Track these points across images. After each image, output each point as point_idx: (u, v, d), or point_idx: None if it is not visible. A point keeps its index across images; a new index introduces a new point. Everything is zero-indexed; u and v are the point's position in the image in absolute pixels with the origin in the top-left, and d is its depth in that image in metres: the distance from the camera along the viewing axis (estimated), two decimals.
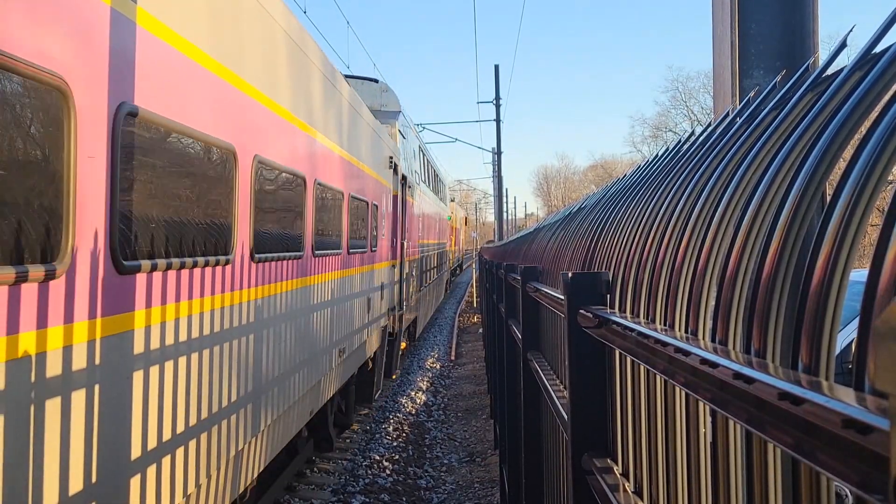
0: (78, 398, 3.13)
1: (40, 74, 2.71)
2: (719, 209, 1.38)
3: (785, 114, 1.32)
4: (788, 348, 0.98)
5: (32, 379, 2.79)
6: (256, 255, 5.14)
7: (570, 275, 2.23)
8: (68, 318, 3.02)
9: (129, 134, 3.46)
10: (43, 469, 2.88)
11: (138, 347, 3.62)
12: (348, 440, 10.24)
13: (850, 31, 1.31)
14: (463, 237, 53.89)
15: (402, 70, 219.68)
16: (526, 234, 8.89)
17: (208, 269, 4.35)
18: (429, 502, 8.10)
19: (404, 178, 13.99)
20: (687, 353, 1.14)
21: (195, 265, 4.14)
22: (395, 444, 10.13)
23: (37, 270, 2.75)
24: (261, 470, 5.62)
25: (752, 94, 1.74)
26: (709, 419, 1.28)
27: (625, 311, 1.95)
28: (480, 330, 21.18)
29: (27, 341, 2.75)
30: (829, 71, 1.27)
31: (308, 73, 6.62)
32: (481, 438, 10.60)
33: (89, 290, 3.17)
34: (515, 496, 5.31)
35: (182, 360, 4.06)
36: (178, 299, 3.98)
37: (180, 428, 4.07)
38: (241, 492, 5.19)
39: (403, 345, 15.20)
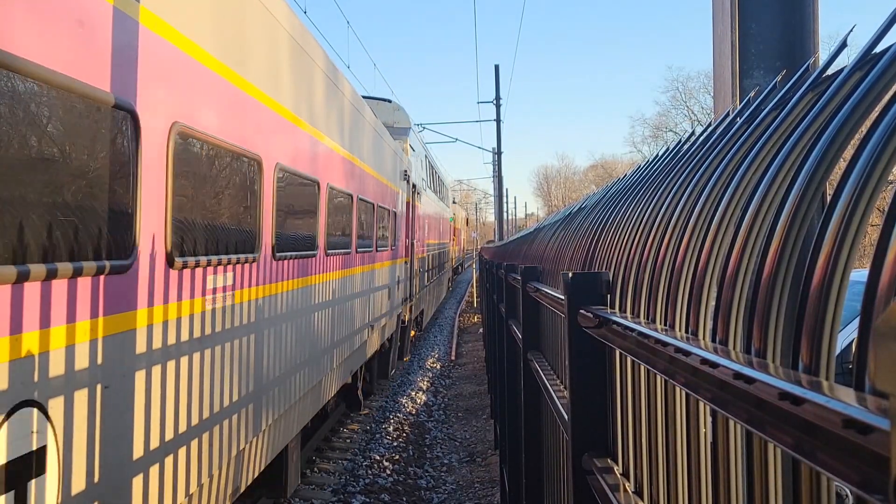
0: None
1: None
2: (719, 209, 1.38)
3: (785, 114, 1.32)
4: (789, 348, 0.98)
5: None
6: (328, 251, 7.67)
7: (570, 275, 2.23)
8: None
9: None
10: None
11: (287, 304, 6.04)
12: (348, 440, 10.25)
13: (851, 31, 1.31)
14: (464, 237, 56.54)
15: (402, 70, 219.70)
16: (526, 234, 8.90)
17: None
18: (429, 502, 8.10)
19: (414, 185, 16.10)
20: (687, 353, 1.14)
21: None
22: (395, 444, 10.13)
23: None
24: (344, 382, 9.17)
25: (752, 94, 1.74)
26: (709, 419, 1.28)
27: (625, 312, 1.95)
28: (480, 330, 21.18)
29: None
30: (830, 71, 1.27)
31: (360, 121, 9.53)
32: (481, 438, 10.60)
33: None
34: (516, 496, 5.31)
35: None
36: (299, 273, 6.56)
37: (300, 359, 6.58)
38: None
39: (413, 332, 17.28)
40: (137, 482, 3.57)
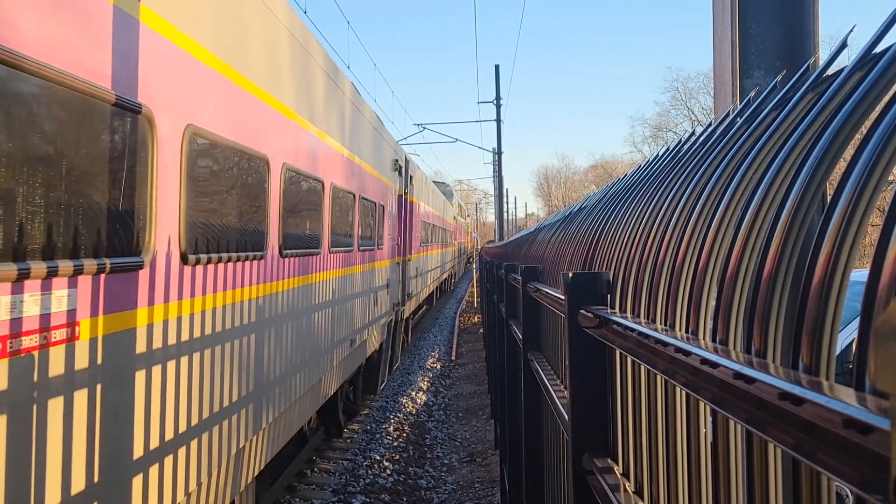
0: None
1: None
2: (720, 209, 1.38)
3: (785, 114, 1.32)
4: (789, 348, 0.98)
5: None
6: (431, 244, 22.41)
7: (570, 275, 2.23)
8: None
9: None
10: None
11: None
12: (348, 440, 10.25)
13: (851, 31, 1.31)
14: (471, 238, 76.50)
15: (402, 70, 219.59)
16: (526, 234, 8.91)
17: (438, 245, 25.91)
18: (429, 502, 8.10)
19: (455, 217, 32.28)
20: (687, 353, 1.14)
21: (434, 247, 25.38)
22: (395, 444, 10.13)
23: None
24: (430, 296, 27.15)
25: (752, 94, 1.74)
26: (709, 419, 1.28)
27: (625, 311, 1.95)
28: (481, 330, 21.22)
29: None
30: (830, 71, 1.27)
31: (445, 202, 30.08)
32: (482, 438, 10.61)
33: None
34: (516, 496, 5.31)
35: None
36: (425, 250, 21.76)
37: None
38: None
39: (451, 289, 36.06)
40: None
